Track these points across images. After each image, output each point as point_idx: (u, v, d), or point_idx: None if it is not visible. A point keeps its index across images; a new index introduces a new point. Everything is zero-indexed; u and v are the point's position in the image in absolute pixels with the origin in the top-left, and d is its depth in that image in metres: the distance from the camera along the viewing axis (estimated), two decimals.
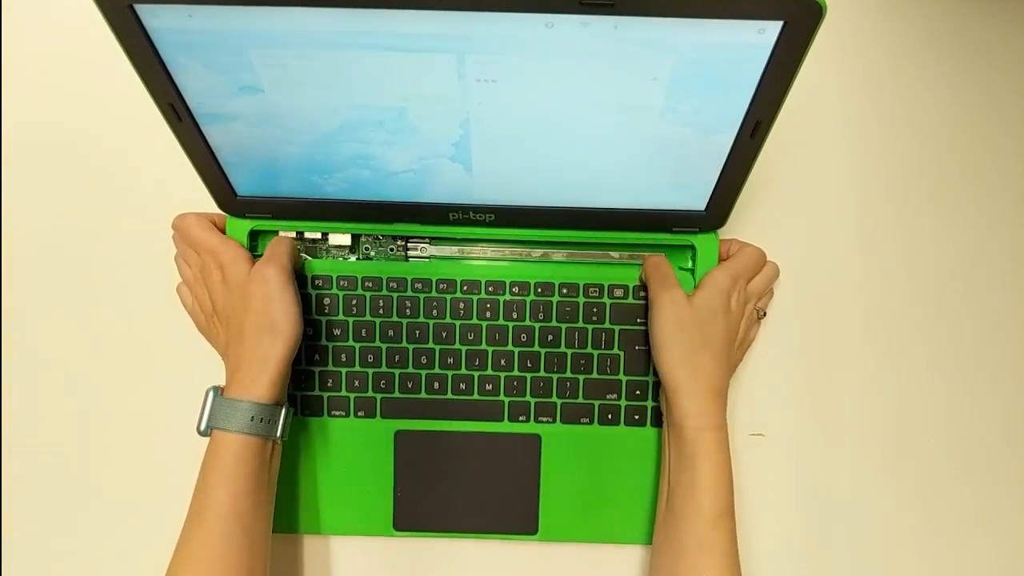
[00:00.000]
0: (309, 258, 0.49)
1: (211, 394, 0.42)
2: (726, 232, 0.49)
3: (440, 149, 0.41)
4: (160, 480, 0.50)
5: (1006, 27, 0.52)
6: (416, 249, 0.49)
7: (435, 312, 0.48)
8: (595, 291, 0.48)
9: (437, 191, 0.44)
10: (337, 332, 0.48)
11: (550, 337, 0.48)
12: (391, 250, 0.49)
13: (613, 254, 0.49)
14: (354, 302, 0.48)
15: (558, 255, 0.49)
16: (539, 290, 0.48)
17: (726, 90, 0.36)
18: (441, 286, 0.48)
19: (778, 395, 0.51)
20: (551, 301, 0.48)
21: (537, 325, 0.48)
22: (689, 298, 0.45)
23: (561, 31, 0.33)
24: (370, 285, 0.47)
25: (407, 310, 0.48)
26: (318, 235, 0.49)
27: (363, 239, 0.49)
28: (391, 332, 0.48)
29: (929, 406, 0.51)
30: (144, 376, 0.51)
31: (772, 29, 0.33)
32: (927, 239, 0.51)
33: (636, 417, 0.49)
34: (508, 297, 0.48)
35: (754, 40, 0.33)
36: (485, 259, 0.49)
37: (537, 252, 0.49)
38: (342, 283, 0.47)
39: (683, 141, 0.39)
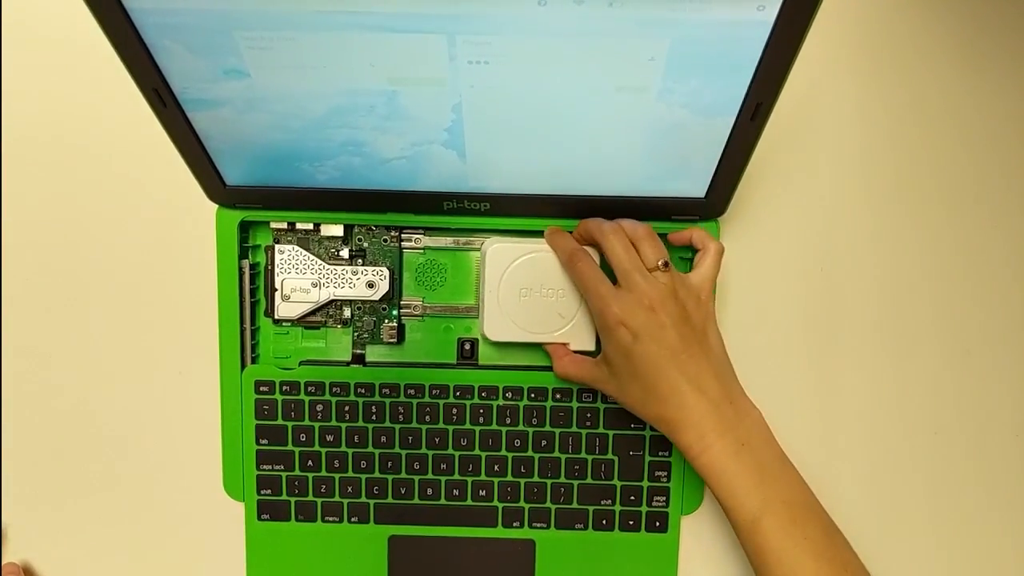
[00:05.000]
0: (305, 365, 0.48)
1: None
2: (726, 221, 0.48)
3: (432, 135, 0.40)
4: (159, 477, 0.49)
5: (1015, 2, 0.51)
6: (410, 240, 0.49)
7: (428, 418, 0.48)
8: (588, 396, 0.48)
9: (431, 179, 0.43)
10: (330, 438, 0.48)
11: (544, 442, 0.48)
12: (384, 241, 0.48)
13: None
14: (347, 408, 0.47)
15: None
16: (532, 395, 0.47)
17: (725, 70, 0.35)
18: (434, 391, 0.47)
19: (784, 382, 0.50)
20: (544, 406, 0.48)
21: (531, 430, 0.48)
22: (615, 331, 0.41)
23: (554, 9, 0.32)
24: (363, 391, 0.47)
25: (400, 416, 0.47)
26: (310, 226, 0.48)
27: (356, 230, 0.48)
28: (384, 438, 0.48)
29: (942, 391, 0.50)
30: (139, 368, 0.50)
31: (772, 5, 0.32)
32: (934, 224, 0.50)
33: (631, 523, 0.48)
34: (501, 402, 0.48)
35: (754, 17, 0.32)
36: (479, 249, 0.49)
37: None
38: (335, 389, 0.47)
39: (681, 124, 0.38)
